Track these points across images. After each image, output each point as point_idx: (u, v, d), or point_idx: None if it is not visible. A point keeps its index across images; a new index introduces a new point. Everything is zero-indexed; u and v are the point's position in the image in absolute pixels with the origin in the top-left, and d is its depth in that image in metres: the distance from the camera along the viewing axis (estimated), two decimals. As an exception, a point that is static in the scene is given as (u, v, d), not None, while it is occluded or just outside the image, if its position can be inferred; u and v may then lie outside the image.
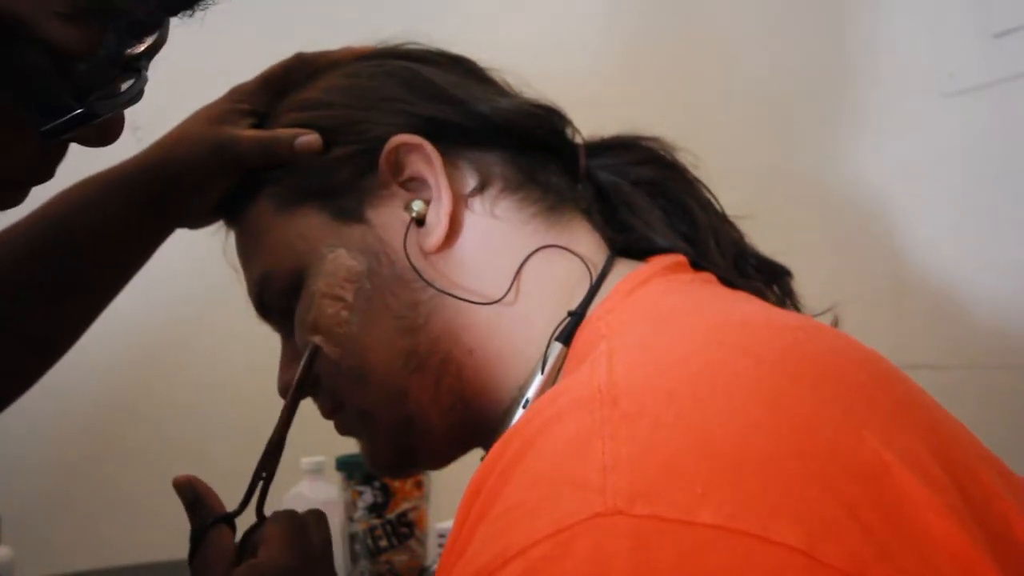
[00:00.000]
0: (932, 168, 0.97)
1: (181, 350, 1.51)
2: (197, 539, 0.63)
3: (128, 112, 0.50)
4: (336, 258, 0.64)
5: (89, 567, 1.24)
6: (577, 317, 0.59)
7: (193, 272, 1.49)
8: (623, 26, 1.33)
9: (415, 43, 0.71)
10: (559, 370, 0.58)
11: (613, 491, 0.38)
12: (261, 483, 0.68)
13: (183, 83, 1.50)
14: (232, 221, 0.72)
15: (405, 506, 1.07)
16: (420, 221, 0.63)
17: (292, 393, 0.66)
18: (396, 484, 1.07)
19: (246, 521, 0.68)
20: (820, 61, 1.07)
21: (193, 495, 0.65)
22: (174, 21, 0.48)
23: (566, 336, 0.59)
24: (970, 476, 0.45)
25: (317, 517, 0.68)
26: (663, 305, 0.57)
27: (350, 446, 1.01)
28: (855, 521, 0.38)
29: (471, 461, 0.66)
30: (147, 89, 0.48)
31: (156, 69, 0.48)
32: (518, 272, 0.62)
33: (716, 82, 1.19)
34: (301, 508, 0.69)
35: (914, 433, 0.44)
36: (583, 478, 0.39)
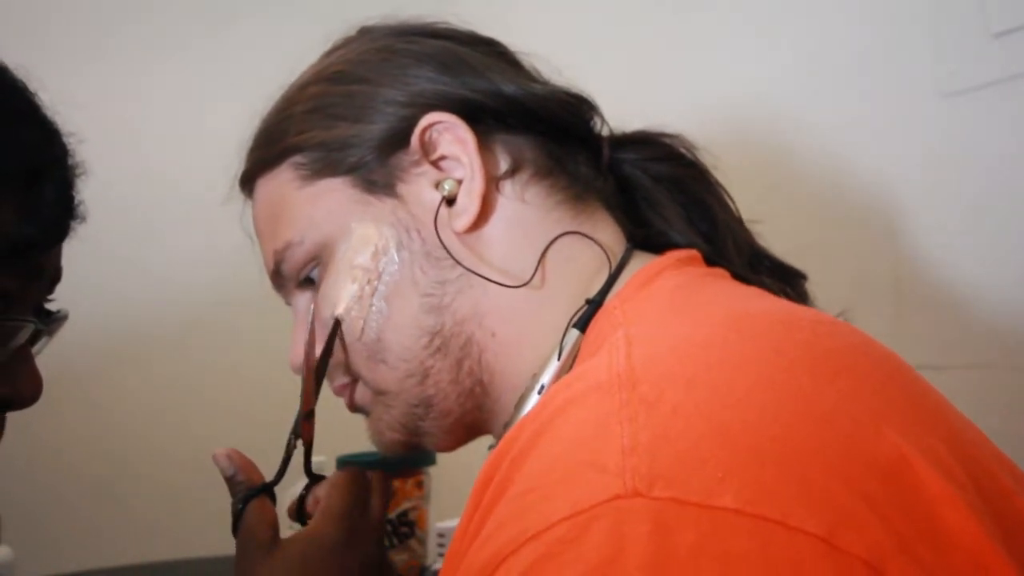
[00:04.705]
0: (932, 168, 0.97)
1: (182, 349, 1.50)
2: (239, 512, 0.63)
3: None
4: (366, 231, 0.63)
5: (89, 567, 1.23)
6: (595, 305, 0.59)
7: (192, 273, 1.49)
8: (624, 26, 1.33)
9: (447, 23, 0.70)
10: (574, 357, 0.58)
11: (632, 474, 0.38)
12: (303, 448, 0.68)
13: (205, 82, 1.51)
14: (251, 191, 0.70)
15: (405, 505, 1.07)
16: (450, 201, 0.62)
17: (317, 365, 0.66)
18: (396, 484, 1.06)
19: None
20: (819, 61, 1.07)
21: (232, 468, 0.66)
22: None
23: (583, 323, 0.59)
24: (985, 473, 0.45)
25: (381, 480, 0.69)
26: (679, 295, 0.57)
27: (351, 446, 1.01)
28: (874, 512, 0.38)
29: (473, 460, 0.66)
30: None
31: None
32: (542, 257, 0.62)
33: (715, 83, 1.19)
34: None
35: (932, 429, 0.44)
36: (602, 461, 0.39)
